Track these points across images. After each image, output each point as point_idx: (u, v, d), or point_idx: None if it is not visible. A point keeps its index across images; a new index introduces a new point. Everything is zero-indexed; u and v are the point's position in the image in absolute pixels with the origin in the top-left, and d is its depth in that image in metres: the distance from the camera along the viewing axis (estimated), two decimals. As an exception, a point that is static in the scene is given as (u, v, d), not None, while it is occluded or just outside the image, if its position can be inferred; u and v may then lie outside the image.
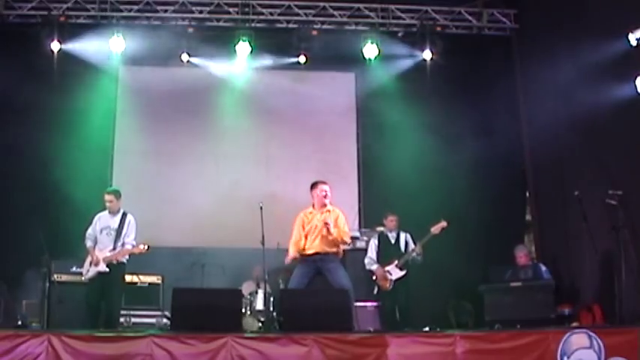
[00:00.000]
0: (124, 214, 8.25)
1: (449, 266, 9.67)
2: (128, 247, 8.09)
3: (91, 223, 8.23)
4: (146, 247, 8.00)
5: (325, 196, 8.06)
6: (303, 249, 8.04)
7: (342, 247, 8.20)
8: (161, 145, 10.68)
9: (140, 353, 6.45)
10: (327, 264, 7.95)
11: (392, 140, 10.76)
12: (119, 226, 8.15)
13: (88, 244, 8.19)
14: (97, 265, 8.01)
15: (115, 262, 8.02)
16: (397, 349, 6.69)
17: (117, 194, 8.31)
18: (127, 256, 8.14)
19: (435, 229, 8.64)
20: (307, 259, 7.99)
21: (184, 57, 10.57)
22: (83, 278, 8.17)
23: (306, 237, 8.03)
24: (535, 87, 10.27)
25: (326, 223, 7.87)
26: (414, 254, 8.74)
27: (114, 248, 8.07)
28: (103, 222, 8.22)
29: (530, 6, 10.45)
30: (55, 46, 10.08)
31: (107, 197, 8.26)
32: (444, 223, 8.63)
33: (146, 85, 10.87)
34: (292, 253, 8.09)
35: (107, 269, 8.00)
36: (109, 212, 8.25)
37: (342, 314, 7.18)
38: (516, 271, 8.98)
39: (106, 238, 8.13)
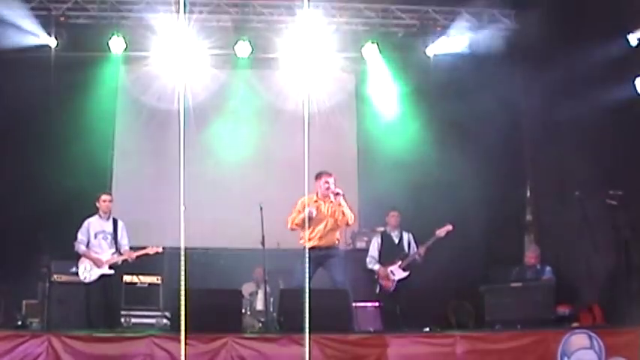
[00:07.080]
0: (115, 219, 8.38)
1: (449, 266, 9.65)
2: (127, 250, 8.30)
3: (79, 227, 8.28)
4: (160, 248, 8.27)
5: (328, 188, 8.00)
6: (309, 239, 7.92)
7: (349, 222, 8.11)
8: (161, 145, 10.64)
9: (140, 353, 6.49)
10: (329, 258, 7.93)
11: (392, 140, 10.74)
12: (113, 230, 8.26)
13: (82, 248, 8.22)
14: (99, 267, 8.08)
15: (119, 263, 8.21)
16: (397, 350, 6.70)
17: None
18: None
19: (440, 232, 8.63)
20: (309, 253, 7.97)
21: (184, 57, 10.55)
22: (85, 281, 8.18)
23: (309, 227, 7.94)
24: (535, 87, 10.26)
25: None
26: (417, 257, 8.73)
27: (116, 251, 8.20)
28: (96, 226, 8.28)
29: (530, 6, 10.44)
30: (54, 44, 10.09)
31: (108, 197, 8.37)
32: (449, 227, 8.61)
33: (146, 85, 10.86)
34: (289, 224, 8.10)
35: (112, 271, 8.15)
36: (102, 215, 8.32)
37: (341, 314, 7.18)
38: (523, 270, 9.01)
39: (104, 243, 8.23)
